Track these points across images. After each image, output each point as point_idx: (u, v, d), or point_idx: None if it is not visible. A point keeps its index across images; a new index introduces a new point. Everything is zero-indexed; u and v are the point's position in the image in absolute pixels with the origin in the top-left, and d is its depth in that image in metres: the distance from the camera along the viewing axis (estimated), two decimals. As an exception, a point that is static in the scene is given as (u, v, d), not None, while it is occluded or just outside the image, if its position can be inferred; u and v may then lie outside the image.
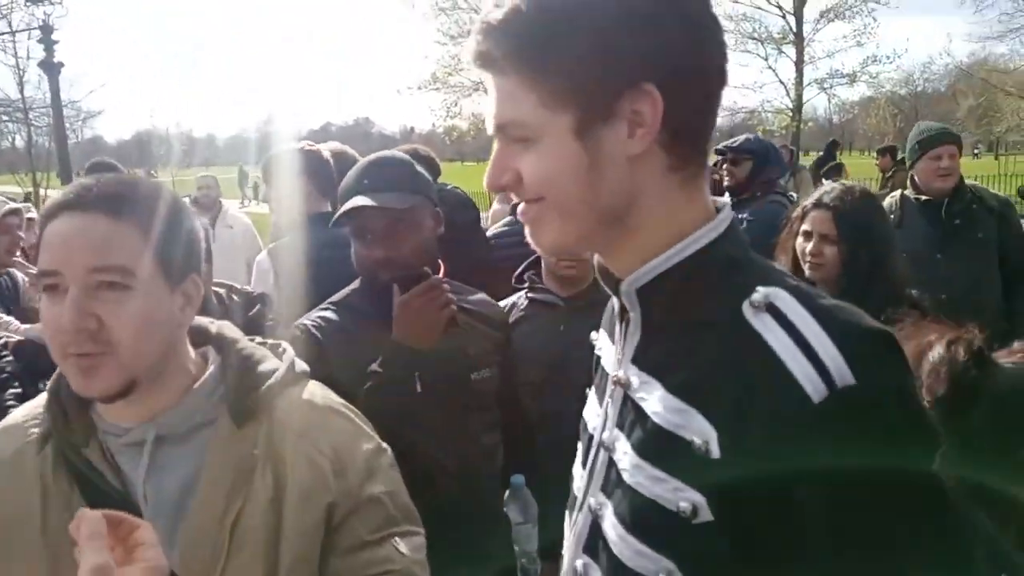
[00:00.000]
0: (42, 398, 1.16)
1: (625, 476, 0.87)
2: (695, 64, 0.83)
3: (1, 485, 1.10)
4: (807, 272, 2.38)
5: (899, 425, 0.74)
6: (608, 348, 1.02)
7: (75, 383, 1.02)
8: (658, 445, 0.83)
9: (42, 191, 17.48)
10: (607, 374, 0.98)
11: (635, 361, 0.91)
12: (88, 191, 1.04)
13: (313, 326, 1.86)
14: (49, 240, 1.02)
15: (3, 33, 20.13)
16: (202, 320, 1.22)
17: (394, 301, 1.74)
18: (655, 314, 0.88)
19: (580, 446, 1.06)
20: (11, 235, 3.47)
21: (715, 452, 0.77)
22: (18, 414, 1.18)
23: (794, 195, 6.58)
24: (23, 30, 17.54)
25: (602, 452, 0.95)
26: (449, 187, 3.35)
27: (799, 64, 21.85)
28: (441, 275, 1.88)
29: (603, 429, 0.96)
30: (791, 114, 21.65)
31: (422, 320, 1.70)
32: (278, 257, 2.87)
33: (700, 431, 0.78)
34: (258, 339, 1.26)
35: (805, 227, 2.40)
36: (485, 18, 0.84)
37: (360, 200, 1.77)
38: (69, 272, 1.00)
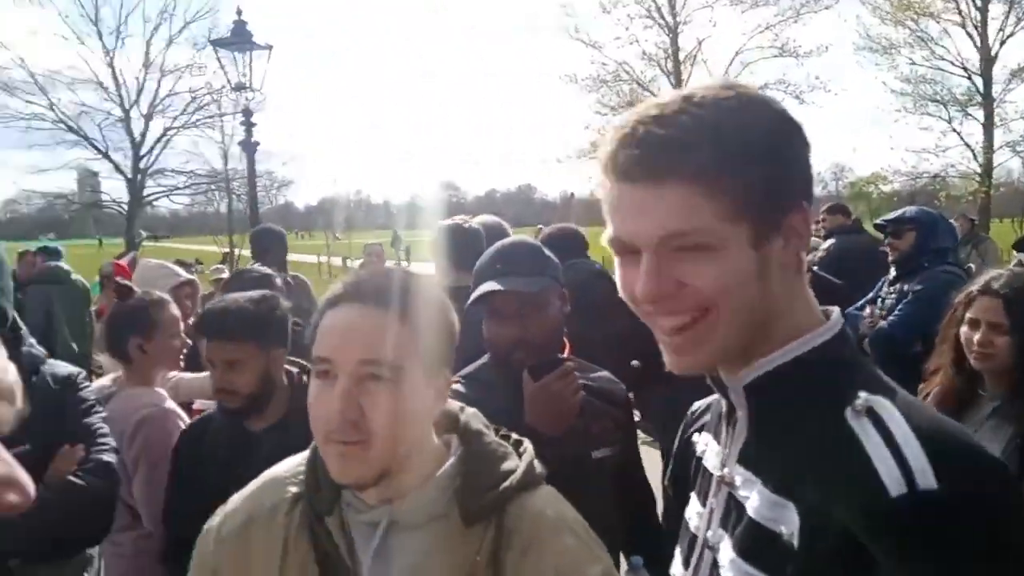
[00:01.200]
0: (305, 455, 1.20)
1: (723, 574, 0.88)
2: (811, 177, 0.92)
3: (253, 537, 1.15)
4: (973, 362, 2.19)
5: (976, 541, 0.70)
6: (713, 448, 1.02)
7: (333, 468, 1.06)
8: (753, 541, 0.85)
9: (236, 251, 19.38)
10: (710, 474, 0.99)
11: (740, 460, 0.92)
12: (363, 283, 1.10)
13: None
14: (325, 329, 1.08)
15: (212, 116, 23.17)
16: (452, 406, 1.23)
17: (524, 384, 1.79)
18: (763, 412, 0.90)
19: (680, 547, 1.05)
20: (183, 306, 3.86)
21: (796, 542, 0.78)
22: (282, 468, 1.23)
23: (972, 267, 6.01)
24: (228, 113, 20.03)
25: (706, 552, 0.95)
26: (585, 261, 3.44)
27: (988, 126, 20.27)
28: (567, 352, 1.93)
29: (707, 528, 0.96)
30: (979, 179, 20.01)
31: (555, 406, 1.75)
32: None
33: (789, 523, 0.80)
34: (502, 431, 1.25)
35: (971, 315, 2.21)
36: (647, 128, 0.83)
37: (492, 285, 1.86)
38: (340, 361, 1.04)
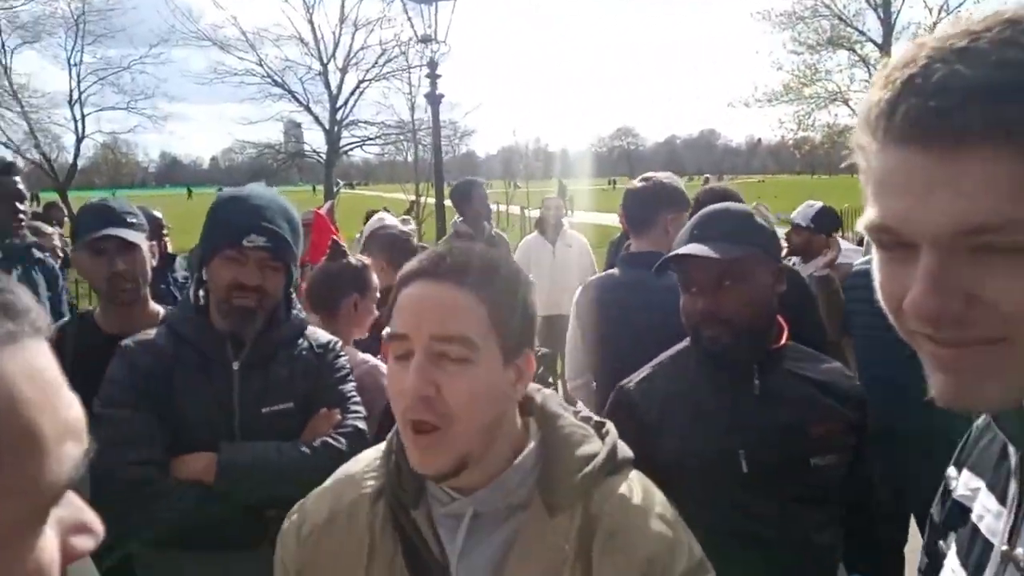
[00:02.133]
0: (379, 449, 1.20)
1: None
2: None
3: (336, 535, 1.13)
4: None
5: None
6: (991, 507, 0.80)
7: (412, 458, 1.04)
8: None
9: (422, 199, 20.22)
10: (988, 542, 0.78)
11: None
12: (442, 260, 1.06)
13: (636, 388, 1.81)
14: (401, 304, 1.06)
15: (400, 69, 24.13)
16: (530, 388, 1.18)
17: None
18: None
19: None
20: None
21: None
22: (357, 465, 1.21)
23: None
24: (415, 66, 20.78)
25: None
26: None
27: None
28: (784, 340, 1.74)
29: None
30: None
31: None
32: (587, 295, 2.81)
33: None
34: (583, 412, 1.19)
35: None
36: (951, 68, 0.58)
37: (687, 248, 1.70)
38: (415, 337, 1.01)
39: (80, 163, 32.17)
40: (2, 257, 2.76)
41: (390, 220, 4.15)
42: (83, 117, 30.00)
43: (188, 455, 1.76)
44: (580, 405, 1.23)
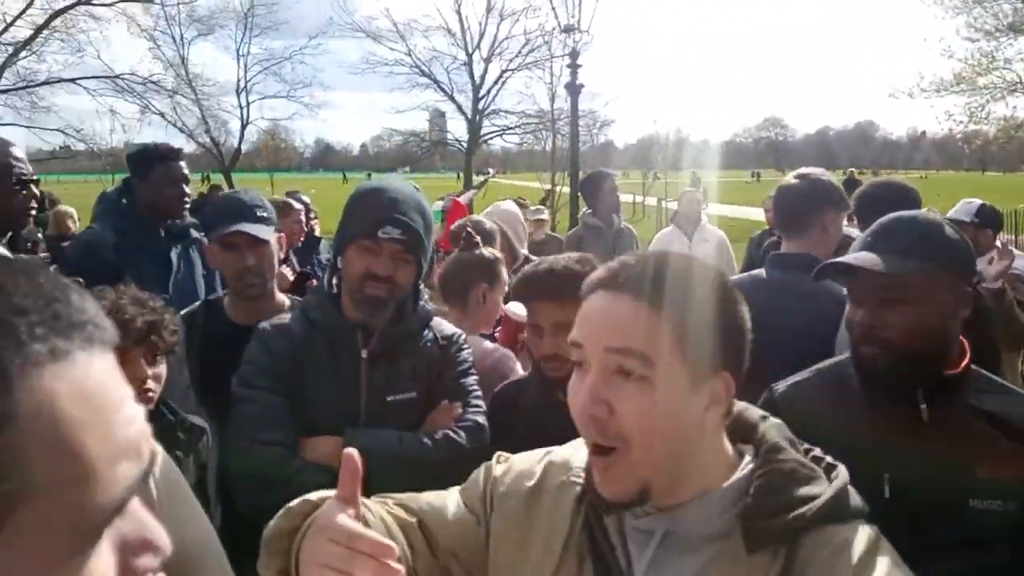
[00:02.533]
0: None
1: None
2: None
3: (540, 507, 1.11)
4: None
5: None
6: None
7: (594, 479, 0.99)
8: None
9: (557, 188, 20.25)
10: None
11: None
12: (624, 270, 1.00)
13: (782, 393, 1.71)
14: (581, 314, 1.01)
15: (543, 59, 24.31)
16: (753, 413, 1.10)
17: None
18: None
19: None
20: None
21: None
22: (578, 453, 1.15)
23: None
24: (557, 56, 20.88)
25: None
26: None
27: None
28: (964, 364, 1.55)
29: None
30: None
31: None
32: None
33: None
34: (815, 452, 1.07)
35: None
36: None
37: (852, 258, 1.56)
38: (590, 349, 0.97)
39: (244, 147, 34.67)
40: (164, 236, 2.98)
41: (507, 207, 4.11)
42: (248, 105, 32.36)
43: (316, 438, 1.81)
44: (811, 446, 1.10)
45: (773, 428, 1.07)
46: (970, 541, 1.47)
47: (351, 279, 1.87)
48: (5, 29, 20.50)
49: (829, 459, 1.05)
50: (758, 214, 7.08)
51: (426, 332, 2.01)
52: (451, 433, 1.87)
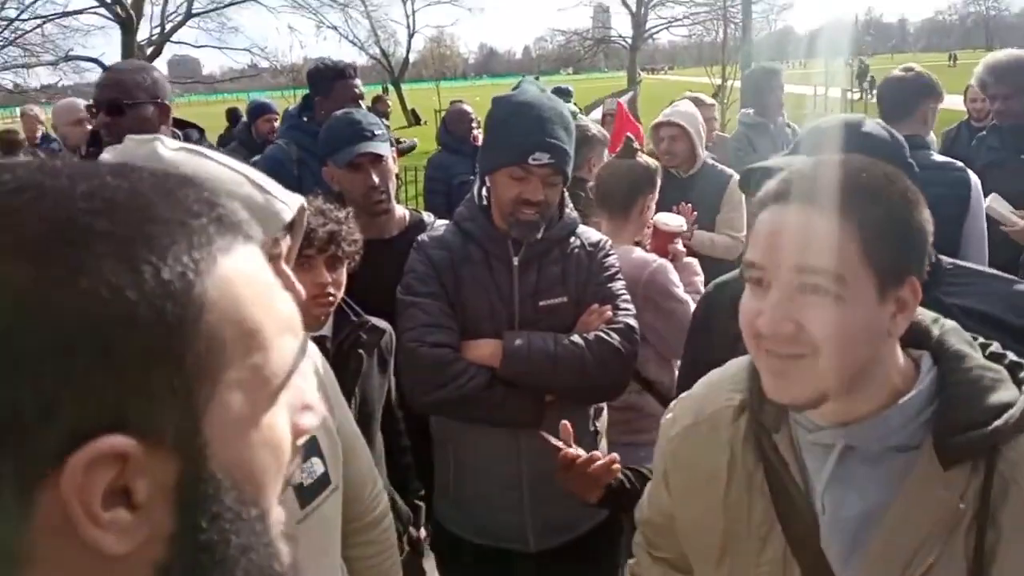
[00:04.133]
0: (748, 358, 1.08)
1: None
2: None
3: (698, 442, 1.11)
4: None
5: None
6: None
7: (765, 383, 0.96)
8: None
9: (729, 83, 19.11)
10: None
11: None
12: (805, 180, 0.94)
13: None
14: (757, 230, 0.95)
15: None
16: (924, 317, 1.03)
17: None
18: None
19: None
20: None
21: None
22: (726, 372, 1.16)
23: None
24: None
25: None
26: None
27: None
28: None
29: None
30: None
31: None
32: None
33: None
34: (994, 347, 1.01)
35: None
36: None
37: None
38: (772, 270, 0.92)
39: (411, 57, 35.42)
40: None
41: (687, 108, 3.94)
42: (414, 13, 32.79)
43: (476, 340, 1.94)
44: (986, 340, 1.03)
45: (951, 333, 1.00)
46: None
47: (503, 202, 1.94)
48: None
49: (1012, 356, 0.99)
50: (955, 102, 6.25)
51: (572, 239, 2.06)
52: (603, 335, 1.93)
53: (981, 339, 1.02)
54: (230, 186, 0.97)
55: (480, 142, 5.74)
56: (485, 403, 1.88)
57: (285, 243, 1.02)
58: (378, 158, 2.31)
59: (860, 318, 0.90)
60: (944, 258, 1.54)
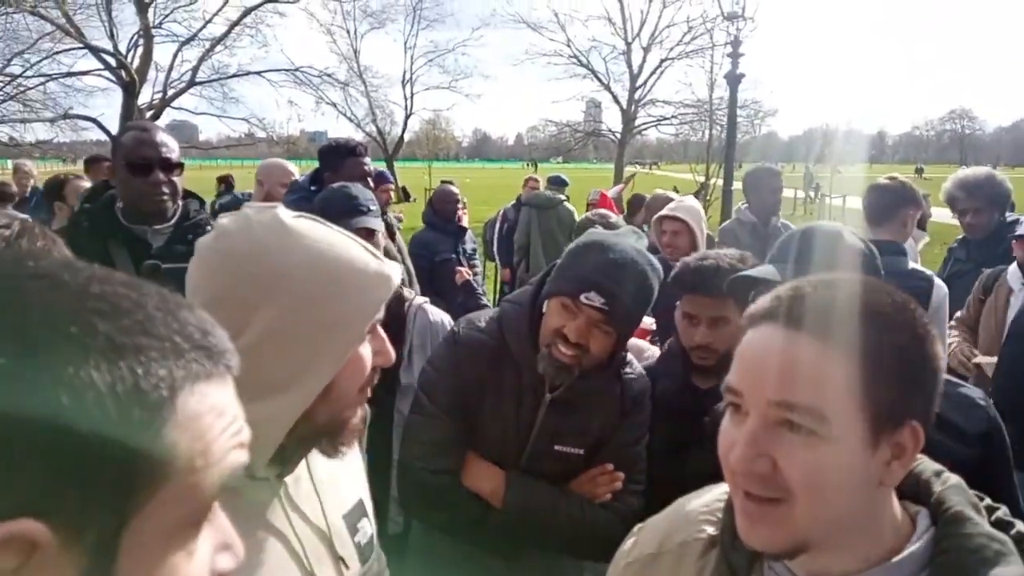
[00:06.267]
0: (725, 489, 0.97)
1: None
2: None
3: (662, 571, 1.02)
4: None
5: None
6: None
7: (739, 524, 0.86)
8: None
9: (712, 180, 19.64)
10: None
11: None
12: (797, 302, 0.84)
13: None
14: (740, 351, 0.87)
15: (704, 47, 23.70)
16: (925, 468, 0.93)
17: None
18: None
19: None
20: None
21: None
22: (699, 501, 1.06)
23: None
24: (719, 44, 20.28)
25: None
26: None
27: None
28: None
29: None
30: None
31: None
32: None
33: None
34: (1001, 513, 0.89)
35: None
36: None
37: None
38: (750, 395, 0.83)
39: (406, 137, 36.28)
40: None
41: (692, 203, 4.07)
42: (412, 96, 33.74)
43: (479, 468, 1.86)
44: (993, 503, 0.93)
45: (953, 491, 0.89)
46: None
47: (545, 331, 1.79)
48: (203, 26, 22.60)
49: (1020, 525, 0.88)
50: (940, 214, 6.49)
51: (615, 387, 1.91)
52: (607, 511, 1.84)
53: (988, 501, 0.91)
54: (348, 250, 0.99)
55: (464, 222, 5.84)
56: (474, 531, 1.85)
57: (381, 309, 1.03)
58: (371, 232, 2.38)
59: (844, 464, 0.80)
60: None
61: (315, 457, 1.07)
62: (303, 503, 1.06)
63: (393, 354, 1.07)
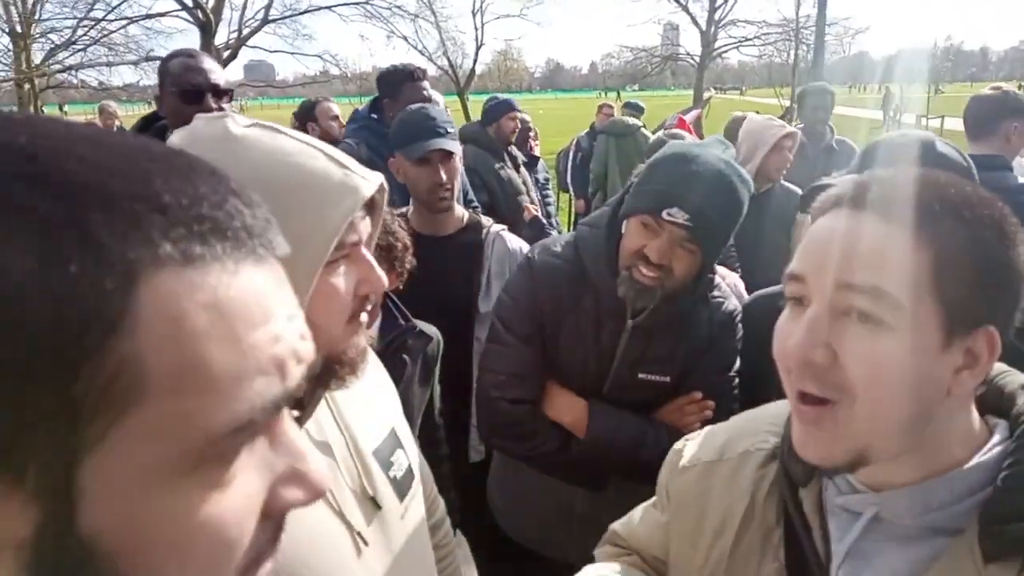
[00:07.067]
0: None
1: None
2: None
3: (715, 481, 0.99)
4: None
5: None
6: None
7: (794, 432, 0.81)
8: None
9: (795, 105, 18.77)
10: None
11: None
12: (875, 186, 0.78)
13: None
14: (809, 238, 0.81)
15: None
16: (1011, 380, 0.85)
17: None
18: None
19: None
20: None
21: None
22: (768, 411, 1.02)
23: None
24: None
25: None
26: None
27: None
28: None
29: None
30: None
31: None
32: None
33: None
34: None
35: None
36: None
37: None
38: (813, 281, 0.77)
39: (478, 69, 35.80)
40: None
41: (751, 119, 3.85)
42: (483, 26, 33.16)
43: (562, 398, 1.79)
44: None
45: None
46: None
47: (624, 252, 1.67)
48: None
49: None
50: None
51: (703, 311, 1.79)
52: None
53: None
54: (305, 159, 0.88)
55: (536, 151, 5.72)
56: (551, 464, 1.80)
57: (364, 226, 0.92)
58: (449, 155, 2.27)
59: (914, 361, 0.72)
60: None
61: (339, 395, 1.01)
62: (333, 445, 1.01)
63: (384, 280, 0.94)
